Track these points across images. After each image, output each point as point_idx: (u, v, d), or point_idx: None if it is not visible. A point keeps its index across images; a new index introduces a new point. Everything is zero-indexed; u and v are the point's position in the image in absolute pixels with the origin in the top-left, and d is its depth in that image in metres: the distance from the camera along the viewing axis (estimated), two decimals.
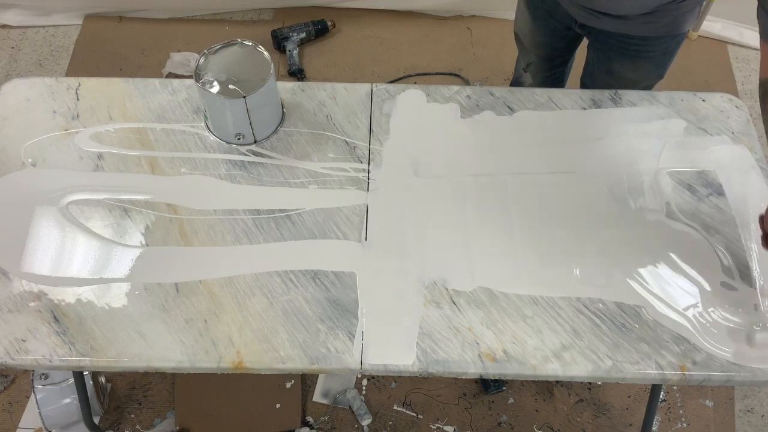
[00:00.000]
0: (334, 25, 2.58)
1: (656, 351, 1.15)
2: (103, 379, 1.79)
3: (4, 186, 1.32)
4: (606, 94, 1.47)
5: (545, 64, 1.81)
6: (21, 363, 1.14)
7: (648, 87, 1.63)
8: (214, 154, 1.36)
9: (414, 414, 1.79)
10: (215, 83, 1.28)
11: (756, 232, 1.27)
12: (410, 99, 1.44)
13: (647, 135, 1.40)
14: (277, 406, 1.79)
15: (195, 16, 2.65)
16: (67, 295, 1.19)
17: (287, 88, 1.47)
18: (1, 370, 1.82)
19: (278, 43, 2.51)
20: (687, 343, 1.15)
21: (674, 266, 1.23)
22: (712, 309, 1.19)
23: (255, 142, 1.38)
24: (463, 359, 1.14)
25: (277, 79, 1.42)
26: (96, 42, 2.56)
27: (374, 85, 1.47)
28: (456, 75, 2.51)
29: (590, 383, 1.83)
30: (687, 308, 1.19)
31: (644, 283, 1.21)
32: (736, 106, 1.45)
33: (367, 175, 1.34)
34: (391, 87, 1.47)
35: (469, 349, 1.15)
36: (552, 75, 1.84)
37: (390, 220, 1.28)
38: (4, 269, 1.22)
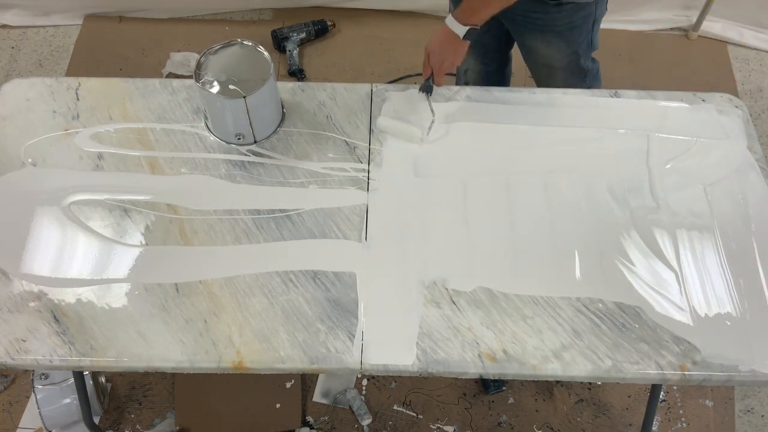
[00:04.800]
0: (334, 25, 2.58)
1: (656, 351, 1.15)
2: (103, 379, 1.79)
3: (4, 186, 1.32)
4: (605, 93, 1.47)
5: (482, 68, 1.80)
6: (21, 363, 1.14)
7: (570, 67, 1.63)
8: (214, 154, 1.36)
9: (414, 414, 1.79)
10: (215, 83, 1.28)
11: (756, 229, 1.27)
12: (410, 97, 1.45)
13: (647, 135, 1.40)
14: (277, 406, 1.79)
15: (195, 16, 2.65)
16: (67, 295, 1.19)
17: (287, 88, 1.47)
18: (1, 370, 1.82)
19: (278, 43, 2.51)
20: (687, 343, 1.15)
21: (674, 266, 1.23)
22: (712, 309, 1.19)
23: (255, 142, 1.38)
24: (463, 359, 1.14)
25: (277, 79, 1.42)
26: (96, 42, 2.56)
27: (374, 85, 1.47)
28: (456, 75, 2.50)
29: (590, 383, 1.83)
30: (687, 308, 1.19)
31: (644, 283, 1.21)
32: (736, 106, 1.45)
33: (367, 175, 1.34)
34: (391, 87, 1.47)
35: (469, 349, 1.15)
36: (490, 82, 1.83)
37: (390, 220, 1.28)
38: (3, 269, 1.22)
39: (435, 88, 1.41)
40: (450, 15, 1.34)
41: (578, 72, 1.67)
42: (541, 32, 1.54)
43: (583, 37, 1.56)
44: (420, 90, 1.42)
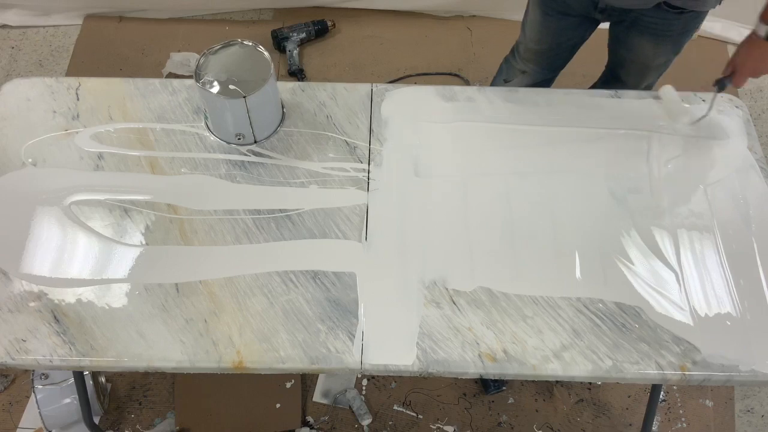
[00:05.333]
0: (334, 25, 2.58)
1: (656, 351, 1.15)
2: (103, 379, 1.79)
3: (5, 186, 1.32)
4: (605, 93, 1.47)
5: (540, 74, 1.79)
6: (21, 363, 1.14)
7: (664, 66, 1.65)
8: (214, 154, 1.36)
9: (414, 414, 1.79)
10: (215, 83, 1.28)
11: (756, 229, 1.27)
12: (410, 97, 1.45)
13: (647, 134, 1.40)
14: (277, 406, 1.79)
15: (195, 16, 2.65)
16: (68, 295, 1.19)
17: (287, 88, 1.47)
18: (1, 370, 1.82)
19: (278, 43, 2.51)
20: (687, 343, 1.15)
21: (675, 266, 1.23)
22: (713, 309, 1.19)
23: (255, 142, 1.38)
24: (463, 359, 1.14)
25: (277, 79, 1.42)
26: (96, 42, 2.56)
27: (374, 85, 1.47)
28: (456, 75, 2.51)
29: (590, 383, 1.83)
30: (687, 308, 1.19)
31: (644, 283, 1.21)
32: (736, 106, 1.45)
33: (367, 175, 1.34)
34: (391, 87, 1.47)
35: (469, 349, 1.15)
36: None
37: (390, 220, 1.28)
38: (4, 269, 1.22)
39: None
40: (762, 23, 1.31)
41: (665, 68, 1.68)
42: (653, 35, 1.54)
43: (687, 38, 1.58)
44: (715, 84, 1.40)
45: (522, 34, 1.74)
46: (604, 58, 1.78)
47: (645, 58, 1.63)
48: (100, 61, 2.50)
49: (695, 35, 2.13)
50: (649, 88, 1.75)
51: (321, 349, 1.15)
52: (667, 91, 1.42)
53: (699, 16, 1.50)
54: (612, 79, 1.81)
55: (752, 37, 1.34)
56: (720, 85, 1.40)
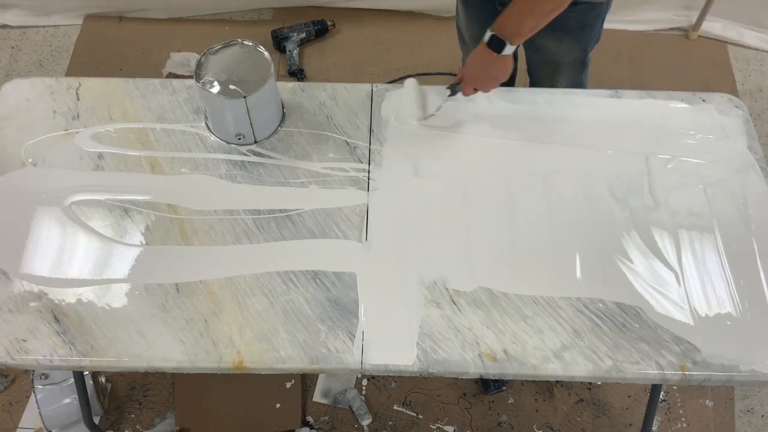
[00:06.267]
0: (334, 25, 2.58)
1: (656, 351, 1.15)
2: (103, 379, 1.79)
3: (5, 186, 1.32)
4: (605, 93, 1.47)
5: None
6: (21, 363, 1.14)
7: (575, 63, 1.63)
8: (214, 154, 1.36)
9: (414, 414, 1.79)
10: (215, 83, 1.28)
11: (756, 229, 1.27)
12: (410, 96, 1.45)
13: (647, 134, 1.40)
14: (277, 406, 1.79)
15: (195, 16, 2.65)
16: (68, 295, 1.19)
17: (287, 88, 1.47)
18: (1, 370, 1.82)
19: (278, 43, 2.50)
20: (687, 343, 1.15)
21: (675, 266, 1.23)
22: (713, 308, 1.19)
23: (255, 142, 1.38)
24: (463, 359, 1.14)
25: (277, 79, 1.42)
26: (96, 42, 2.55)
27: (374, 85, 1.47)
28: (456, 75, 2.50)
29: (590, 383, 1.83)
30: (687, 308, 1.19)
31: (644, 283, 1.21)
32: (736, 106, 1.45)
33: (367, 175, 1.34)
34: (391, 87, 1.47)
35: (470, 349, 1.15)
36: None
37: (390, 220, 1.28)
38: (4, 269, 1.22)
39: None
40: (491, 32, 1.27)
41: (580, 67, 1.67)
42: (553, 30, 1.53)
43: (593, 34, 1.57)
44: (448, 88, 1.40)
45: (456, 19, 1.76)
46: (597, 59, 1.78)
47: (552, 55, 1.62)
48: (100, 61, 2.50)
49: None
50: (571, 83, 1.72)
51: (321, 349, 1.15)
52: (409, 84, 1.40)
53: (594, 8, 1.48)
54: (531, 83, 1.82)
55: (480, 44, 1.30)
56: (452, 90, 1.39)
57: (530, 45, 1.64)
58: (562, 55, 1.61)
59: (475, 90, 1.37)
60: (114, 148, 1.37)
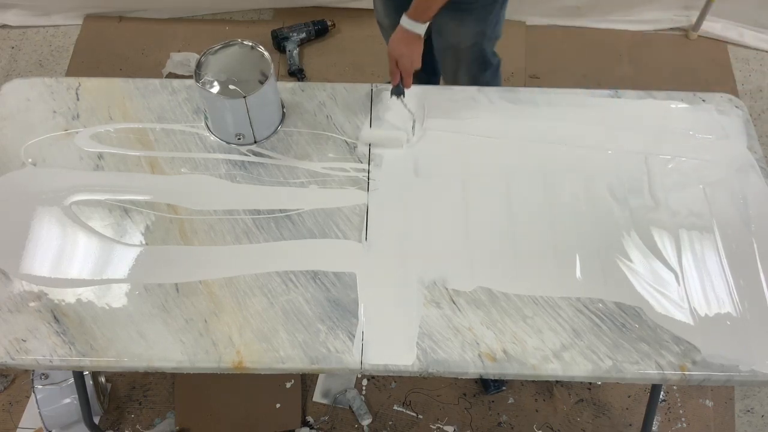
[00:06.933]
0: (334, 25, 2.58)
1: (656, 351, 1.15)
2: (103, 379, 1.79)
3: (5, 186, 1.32)
4: (605, 93, 1.47)
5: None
6: (21, 363, 1.14)
7: (474, 51, 1.66)
8: (214, 154, 1.36)
9: (414, 414, 1.79)
10: (215, 83, 1.28)
11: (756, 229, 1.27)
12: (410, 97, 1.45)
13: (647, 134, 1.40)
14: (277, 406, 1.79)
15: (195, 16, 2.65)
16: (67, 295, 1.19)
17: (287, 88, 1.47)
18: (1, 370, 1.82)
19: (278, 43, 2.50)
20: (687, 343, 1.15)
21: (674, 266, 1.23)
22: (713, 309, 1.19)
23: (255, 142, 1.38)
24: (463, 359, 1.14)
25: (277, 79, 1.42)
26: (96, 42, 2.55)
27: (374, 85, 1.47)
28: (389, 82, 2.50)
29: (590, 383, 1.83)
30: (687, 308, 1.19)
31: (644, 283, 1.21)
32: (736, 106, 1.45)
33: (367, 175, 1.34)
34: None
35: (469, 349, 1.15)
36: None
37: (390, 220, 1.28)
38: (3, 269, 1.22)
39: (407, 90, 1.41)
40: (405, 16, 1.34)
41: (482, 61, 1.69)
42: (454, 11, 1.53)
43: (492, 17, 1.59)
44: (392, 95, 1.41)
45: (375, 13, 1.78)
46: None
47: (452, 38, 1.64)
48: (100, 61, 2.50)
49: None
50: (474, 78, 1.75)
51: (321, 349, 1.15)
52: (365, 136, 1.39)
53: None
54: (431, 72, 1.84)
55: (406, 37, 1.36)
56: (398, 93, 1.40)
57: (435, 27, 1.67)
58: (461, 38, 1.63)
59: (402, 78, 1.39)
60: (114, 148, 1.37)
